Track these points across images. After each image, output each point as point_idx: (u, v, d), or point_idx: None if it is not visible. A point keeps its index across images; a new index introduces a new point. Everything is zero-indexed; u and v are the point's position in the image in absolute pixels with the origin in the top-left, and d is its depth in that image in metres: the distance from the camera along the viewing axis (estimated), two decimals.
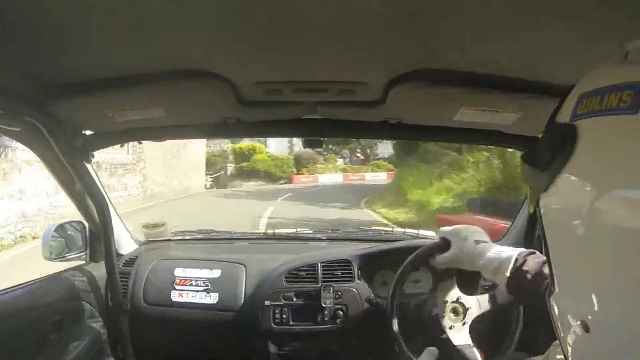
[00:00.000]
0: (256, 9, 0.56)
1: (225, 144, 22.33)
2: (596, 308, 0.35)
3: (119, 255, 1.43)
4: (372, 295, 1.33)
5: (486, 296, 1.13)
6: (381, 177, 24.18)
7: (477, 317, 1.12)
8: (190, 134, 1.25)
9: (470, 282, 1.36)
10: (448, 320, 1.13)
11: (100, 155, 6.89)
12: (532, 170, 0.41)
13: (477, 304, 1.13)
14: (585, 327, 0.35)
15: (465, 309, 1.14)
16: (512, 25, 0.57)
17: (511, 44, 0.63)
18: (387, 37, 0.64)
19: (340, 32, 0.62)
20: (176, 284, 1.37)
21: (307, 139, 1.18)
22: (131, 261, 1.45)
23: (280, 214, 9.82)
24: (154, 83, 0.80)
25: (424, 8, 0.55)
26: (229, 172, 20.80)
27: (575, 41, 0.60)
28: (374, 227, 1.78)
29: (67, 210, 5.36)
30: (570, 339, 0.38)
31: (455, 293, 1.18)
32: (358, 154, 28.81)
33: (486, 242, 0.94)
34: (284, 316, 1.33)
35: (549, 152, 0.38)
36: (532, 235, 1.30)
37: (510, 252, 0.83)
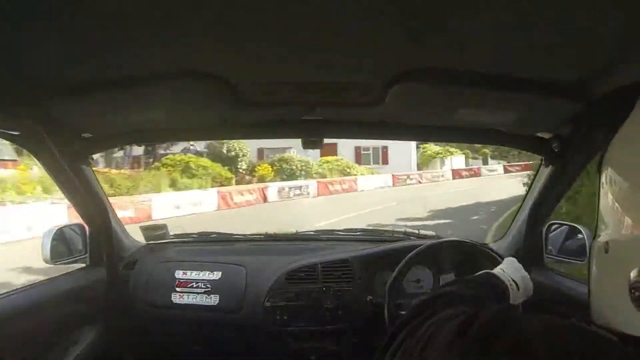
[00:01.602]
0: (254, 10, 0.56)
1: None
2: (615, 232, 0.45)
3: (120, 257, 1.43)
4: (372, 295, 1.33)
5: None
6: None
7: None
8: (189, 136, 1.25)
9: None
10: None
11: None
12: (588, 132, 0.56)
13: None
14: (606, 249, 0.45)
15: None
16: (511, 25, 0.57)
17: (511, 43, 0.63)
18: (386, 37, 0.64)
19: (339, 33, 0.62)
20: (177, 286, 1.37)
21: (307, 140, 1.18)
22: (132, 264, 1.45)
23: None
24: (153, 85, 0.81)
25: (423, 8, 0.55)
26: None
27: (575, 41, 0.61)
28: (374, 228, 1.78)
29: None
30: (595, 264, 0.49)
31: None
32: None
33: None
34: (285, 317, 1.33)
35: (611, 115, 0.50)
36: (533, 233, 1.30)
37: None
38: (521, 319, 0.44)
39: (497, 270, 0.85)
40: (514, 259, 0.90)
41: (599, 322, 0.48)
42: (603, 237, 0.48)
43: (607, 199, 0.50)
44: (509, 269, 0.88)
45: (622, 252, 0.43)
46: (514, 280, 0.83)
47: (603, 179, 0.52)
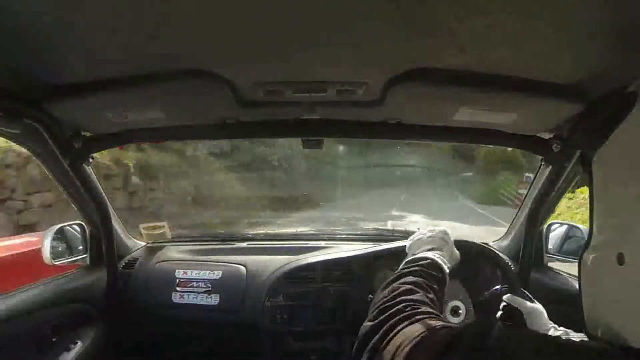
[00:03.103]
0: (255, 9, 0.56)
1: None
2: (633, 240, 0.41)
3: (120, 257, 1.43)
4: (373, 295, 1.33)
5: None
6: None
7: None
8: (190, 135, 1.25)
9: (471, 282, 1.36)
10: (446, 317, 1.13)
11: None
12: (588, 132, 0.52)
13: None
14: (621, 260, 0.41)
15: (466, 311, 1.14)
16: (511, 24, 0.57)
17: (510, 43, 0.63)
18: (386, 37, 0.64)
19: (340, 32, 0.62)
20: (177, 286, 1.37)
21: (307, 140, 1.17)
22: (132, 263, 1.45)
23: None
24: (153, 84, 0.80)
25: (423, 7, 0.55)
26: None
27: (574, 41, 0.60)
28: (374, 227, 1.78)
29: None
30: (600, 276, 0.45)
31: (457, 293, 1.18)
32: None
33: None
34: (285, 316, 1.33)
35: (611, 115, 0.47)
36: (533, 233, 1.30)
37: None
38: (507, 337, 0.42)
39: (423, 254, 0.82)
40: (419, 231, 0.93)
41: (598, 334, 0.46)
42: (613, 246, 0.44)
43: (611, 205, 0.47)
44: (421, 245, 0.87)
45: None
46: (438, 255, 0.81)
47: (599, 184, 0.49)
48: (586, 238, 1.13)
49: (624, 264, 0.41)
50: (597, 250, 0.47)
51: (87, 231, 1.34)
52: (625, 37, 0.57)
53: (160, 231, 1.57)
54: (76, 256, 1.32)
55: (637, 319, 0.40)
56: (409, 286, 0.65)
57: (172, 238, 1.60)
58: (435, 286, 0.68)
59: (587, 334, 0.48)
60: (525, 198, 1.39)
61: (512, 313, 0.96)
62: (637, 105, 0.44)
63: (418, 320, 0.52)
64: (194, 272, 1.39)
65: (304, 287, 1.35)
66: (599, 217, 0.48)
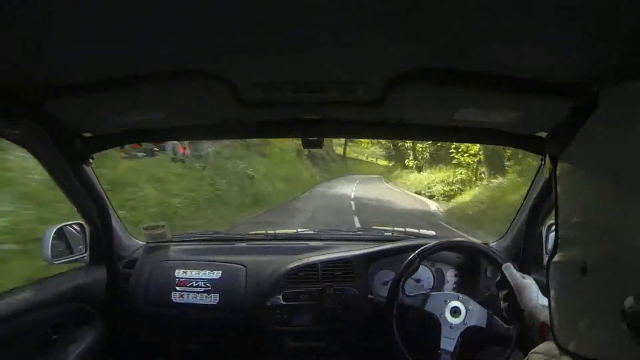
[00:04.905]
0: (255, 9, 0.56)
1: None
2: (593, 249, 0.40)
3: (120, 257, 1.43)
4: (373, 295, 1.34)
5: (485, 312, 1.14)
6: None
7: (473, 328, 1.13)
8: (190, 135, 1.26)
9: (471, 283, 1.36)
10: (448, 320, 1.13)
11: None
12: (553, 137, 0.51)
13: (477, 314, 1.14)
14: (584, 270, 0.40)
15: (467, 310, 1.14)
16: (512, 25, 0.57)
17: (511, 43, 0.63)
18: (386, 37, 0.64)
19: (340, 32, 0.62)
20: (177, 285, 1.37)
21: (307, 139, 1.18)
22: (132, 263, 1.45)
23: None
24: (153, 84, 0.80)
25: (424, 8, 0.55)
26: None
27: (575, 41, 0.60)
28: (374, 227, 1.78)
29: None
30: (562, 286, 0.45)
31: (457, 293, 1.18)
32: None
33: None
34: (285, 316, 1.33)
35: (573, 117, 0.47)
36: (533, 233, 1.30)
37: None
38: None
39: None
40: None
41: (565, 345, 0.45)
42: (576, 256, 0.42)
43: (576, 211, 0.45)
44: None
45: (608, 276, 0.38)
46: None
47: (562, 187, 0.47)
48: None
49: (586, 274, 0.40)
50: (563, 257, 0.46)
51: (87, 231, 1.34)
52: (626, 37, 0.57)
53: (160, 231, 1.57)
54: (76, 255, 1.32)
55: (598, 332, 0.39)
56: None
57: (171, 237, 1.61)
58: None
59: (556, 344, 0.47)
60: (525, 198, 1.39)
61: (507, 284, 1.04)
62: (598, 105, 0.43)
63: None
64: (194, 272, 1.39)
65: (304, 287, 1.35)
66: (563, 222, 0.47)
